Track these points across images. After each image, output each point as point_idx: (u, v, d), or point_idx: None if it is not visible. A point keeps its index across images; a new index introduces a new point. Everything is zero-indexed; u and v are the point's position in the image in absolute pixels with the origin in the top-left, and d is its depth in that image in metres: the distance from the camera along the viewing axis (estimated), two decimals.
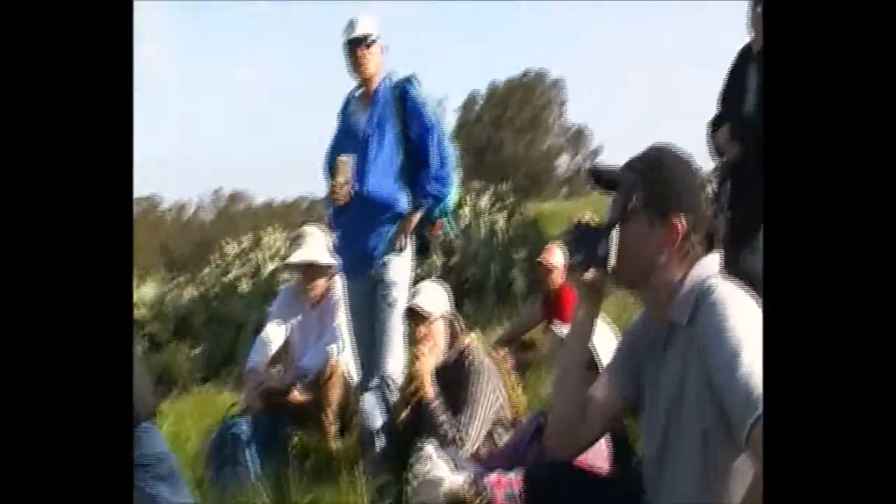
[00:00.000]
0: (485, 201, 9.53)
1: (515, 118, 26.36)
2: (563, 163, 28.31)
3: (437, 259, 7.45)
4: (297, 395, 3.42)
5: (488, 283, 7.65)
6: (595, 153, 28.37)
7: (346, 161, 2.91)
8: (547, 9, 54.16)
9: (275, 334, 3.59)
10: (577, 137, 28.38)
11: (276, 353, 3.61)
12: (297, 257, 3.56)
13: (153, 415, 2.36)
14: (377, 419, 2.83)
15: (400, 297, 2.90)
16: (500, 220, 9.11)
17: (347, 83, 3.12)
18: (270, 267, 9.63)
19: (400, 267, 2.95)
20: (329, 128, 3.20)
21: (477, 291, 7.54)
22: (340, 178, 2.91)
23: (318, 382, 3.36)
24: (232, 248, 10.72)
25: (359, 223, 2.95)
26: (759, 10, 2.73)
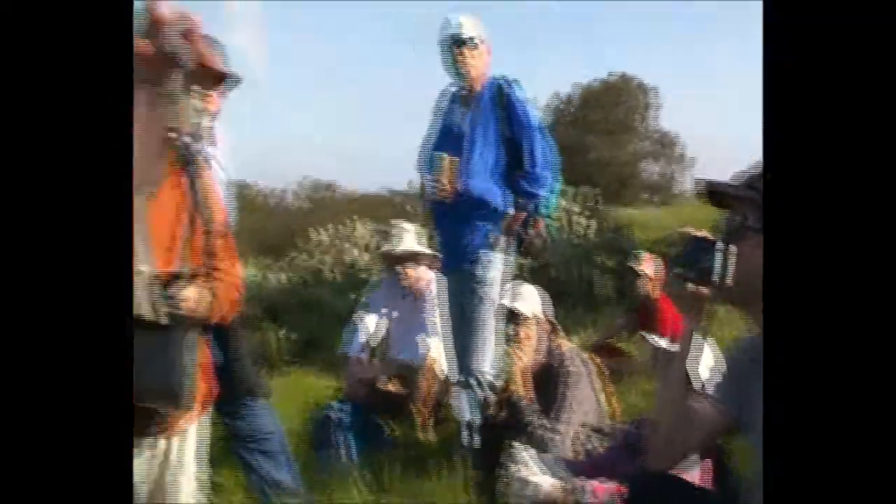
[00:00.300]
0: (571, 204, 9.45)
1: (603, 121, 25.90)
2: (651, 169, 27.67)
3: (526, 260, 7.43)
4: (392, 385, 3.53)
5: (574, 287, 7.59)
6: (685, 161, 27.61)
7: (452, 161, 2.96)
8: (642, 12, 52.95)
9: (373, 325, 3.70)
10: (667, 144, 27.68)
11: (375, 343, 3.74)
12: (399, 248, 3.66)
13: (266, 393, 2.49)
14: (467, 414, 2.89)
15: (495, 295, 2.92)
16: (585, 222, 9.01)
17: (432, 83, 3.15)
18: (355, 256, 9.84)
19: (496, 265, 2.96)
20: (414, 124, 3.21)
21: (563, 294, 7.49)
22: (444, 177, 2.95)
23: (413, 374, 3.46)
24: (318, 236, 10.98)
25: (457, 221, 2.99)
26: None
